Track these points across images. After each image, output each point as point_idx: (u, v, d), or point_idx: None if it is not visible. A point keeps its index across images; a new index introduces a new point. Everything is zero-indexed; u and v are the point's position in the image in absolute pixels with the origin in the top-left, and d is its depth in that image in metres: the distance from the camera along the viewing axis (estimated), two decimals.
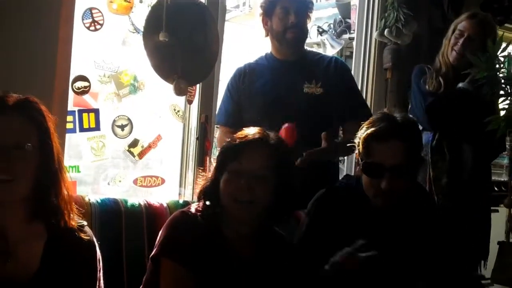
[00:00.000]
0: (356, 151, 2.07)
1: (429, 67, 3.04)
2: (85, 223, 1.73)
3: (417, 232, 2.03)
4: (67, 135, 2.55)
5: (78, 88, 2.59)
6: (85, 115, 2.64)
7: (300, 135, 2.53)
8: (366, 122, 2.04)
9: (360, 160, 2.02)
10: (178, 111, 2.94)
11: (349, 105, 2.86)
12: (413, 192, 2.08)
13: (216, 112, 2.97)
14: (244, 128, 1.95)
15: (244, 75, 2.88)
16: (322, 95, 2.80)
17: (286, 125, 2.54)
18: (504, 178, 4.08)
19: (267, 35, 2.91)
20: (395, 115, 2.02)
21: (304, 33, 2.89)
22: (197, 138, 2.88)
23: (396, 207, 2.02)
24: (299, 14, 2.80)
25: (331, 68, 2.89)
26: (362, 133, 2.01)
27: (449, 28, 3.07)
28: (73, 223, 1.68)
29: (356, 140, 2.05)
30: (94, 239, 1.73)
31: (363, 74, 3.65)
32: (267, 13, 2.83)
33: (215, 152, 4.54)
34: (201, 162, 2.86)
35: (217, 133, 3.01)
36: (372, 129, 1.98)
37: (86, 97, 2.67)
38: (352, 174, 3.53)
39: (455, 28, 3.03)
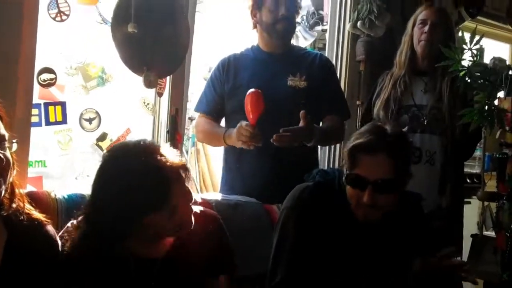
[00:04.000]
0: (343, 161, 2.03)
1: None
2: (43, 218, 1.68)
3: (402, 244, 2.01)
4: (33, 129, 2.47)
5: (44, 81, 2.51)
6: (51, 108, 2.57)
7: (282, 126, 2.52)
8: (356, 133, 1.99)
9: (345, 170, 1.97)
10: (148, 104, 2.89)
11: (330, 100, 2.85)
12: (401, 203, 2.01)
13: (186, 104, 2.96)
14: None
15: (228, 66, 2.86)
16: (306, 89, 2.80)
17: (250, 91, 2.52)
18: (476, 170, 4.12)
19: (254, 27, 2.89)
20: (386, 127, 1.96)
21: (293, 26, 2.90)
22: (167, 131, 2.84)
23: (380, 220, 1.97)
24: (289, 7, 2.80)
25: (316, 63, 2.89)
26: (350, 143, 1.95)
27: (408, 25, 3.10)
28: (34, 219, 1.64)
29: (344, 149, 2.00)
30: (57, 236, 1.69)
31: (336, 66, 3.60)
32: (257, 5, 2.81)
33: (188, 144, 4.54)
34: None
35: (191, 124, 2.96)
36: (360, 140, 1.91)
37: (52, 89, 2.59)
38: (326, 166, 3.52)
39: (415, 21, 3.06)
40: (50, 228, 1.69)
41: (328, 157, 3.60)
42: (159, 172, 1.64)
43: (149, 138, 2.85)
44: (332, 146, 3.60)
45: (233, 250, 1.96)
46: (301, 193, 2.03)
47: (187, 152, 4.46)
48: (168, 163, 1.66)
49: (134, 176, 1.61)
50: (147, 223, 1.64)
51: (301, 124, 2.54)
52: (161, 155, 1.67)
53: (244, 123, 2.52)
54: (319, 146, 3.10)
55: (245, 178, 2.78)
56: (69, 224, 1.76)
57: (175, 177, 1.67)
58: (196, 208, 1.82)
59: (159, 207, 1.64)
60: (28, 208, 1.66)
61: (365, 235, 1.95)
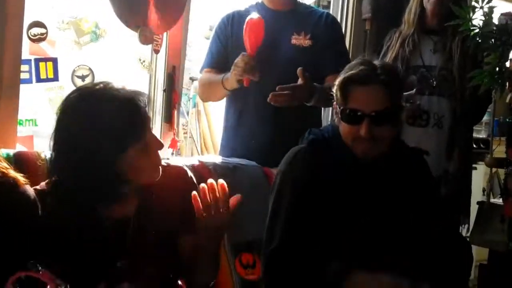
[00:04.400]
0: (334, 99, 1.94)
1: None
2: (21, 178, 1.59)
3: (406, 190, 1.93)
4: (23, 86, 2.37)
5: (34, 35, 2.39)
6: (42, 64, 2.45)
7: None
8: (345, 68, 1.93)
9: (338, 107, 1.90)
10: (144, 61, 2.78)
11: (334, 60, 2.74)
12: (400, 147, 1.99)
13: (183, 62, 2.85)
14: None
15: (232, 21, 2.75)
16: (310, 48, 2.70)
17: (249, 18, 2.44)
18: (483, 135, 4.03)
19: None
20: (374, 61, 1.91)
21: None
22: (164, 90, 2.76)
23: (381, 160, 1.90)
24: None
25: (322, 22, 2.77)
26: (340, 77, 1.89)
27: None
28: (9, 177, 1.55)
29: (334, 87, 1.93)
30: (36, 198, 1.60)
31: (341, 25, 3.44)
32: None
33: (189, 105, 4.46)
34: (168, 116, 2.74)
35: (192, 84, 2.84)
36: (351, 72, 1.86)
37: (43, 45, 2.46)
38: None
39: None
40: (28, 188, 1.59)
41: (331, 118, 3.46)
42: (132, 100, 1.60)
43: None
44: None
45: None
46: (295, 156, 1.96)
47: (187, 113, 4.39)
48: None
49: (108, 107, 1.56)
50: (123, 161, 1.57)
51: (299, 82, 2.45)
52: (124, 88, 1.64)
53: (241, 54, 2.44)
54: (322, 108, 2.98)
55: (245, 140, 2.69)
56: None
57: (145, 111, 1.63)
58: (163, 162, 1.77)
59: (138, 136, 1.59)
60: (3, 166, 1.57)
61: (368, 178, 1.89)
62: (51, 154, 1.65)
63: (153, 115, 2.78)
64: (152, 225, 1.70)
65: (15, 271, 1.45)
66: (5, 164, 1.58)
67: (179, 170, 1.87)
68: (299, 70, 2.44)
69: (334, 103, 1.96)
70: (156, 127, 2.78)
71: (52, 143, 1.63)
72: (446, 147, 2.95)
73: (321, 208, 1.85)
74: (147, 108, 1.65)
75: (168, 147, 2.73)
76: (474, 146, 3.61)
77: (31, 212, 1.56)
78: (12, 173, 1.56)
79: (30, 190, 1.59)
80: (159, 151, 1.70)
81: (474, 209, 2.98)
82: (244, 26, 2.43)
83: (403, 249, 1.84)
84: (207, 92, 2.81)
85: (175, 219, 1.75)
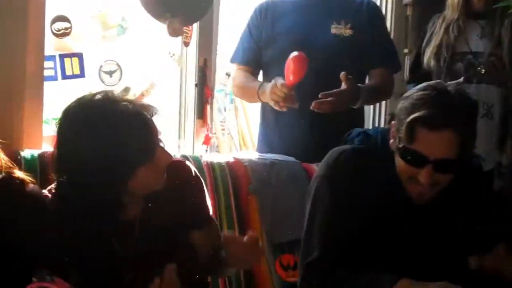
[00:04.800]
0: (393, 128, 1.70)
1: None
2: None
3: (460, 224, 1.73)
4: (48, 83, 2.27)
5: (58, 30, 2.29)
6: (67, 60, 2.34)
7: (325, 80, 2.32)
8: (413, 95, 1.63)
9: (397, 140, 1.65)
10: (174, 54, 2.66)
11: (378, 50, 2.59)
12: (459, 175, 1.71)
13: (215, 54, 2.71)
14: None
15: (266, 12, 2.60)
16: (351, 37, 2.53)
17: (295, 54, 2.24)
18: None
19: None
20: (449, 89, 1.62)
21: None
22: (195, 85, 2.64)
23: (436, 202, 1.69)
24: None
25: (363, 9, 2.61)
26: (408, 111, 1.60)
27: None
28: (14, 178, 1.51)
29: (398, 117, 1.65)
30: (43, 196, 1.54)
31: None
32: None
33: (226, 100, 4.39)
34: (201, 111, 2.62)
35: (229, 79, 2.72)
36: (423, 112, 1.56)
37: (68, 40, 2.37)
38: (371, 123, 3.26)
39: None
40: (34, 186, 1.54)
41: (373, 113, 3.31)
42: (142, 115, 1.48)
43: (176, 92, 2.68)
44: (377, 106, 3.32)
45: (206, 202, 1.78)
46: (337, 159, 1.75)
47: (224, 109, 4.29)
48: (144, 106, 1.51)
49: (119, 124, 1.43)
50: (131, 181, 1.47)
51: (343, 87, 2.29)
52: (131, 101, 1.50)
53: (279, 82, 2.27)
54: None
55: (283, 135, 2.55)
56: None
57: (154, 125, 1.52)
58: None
59: (147, 158, 1.47)
60: (7, 165, 1.52)
61: (416, 212, 1.68)
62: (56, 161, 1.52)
63: (185, 111, 2.68)
64: (157, 226, 1.60)
65: (22, 273, 1.36)
66: (10, 164, 1.53)
67: (179, 164, 1.74)
68: (342, 74, 2.28)
69: (393, 125, 1.70)
70: (189, 124, 2.66)
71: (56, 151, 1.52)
72: (498, 139, 2.77)
73: (361, 223, 1.67)
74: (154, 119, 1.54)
75: (202, 144, 2.61)
76: None
77: (38, 213, 1.47)
78: (18, 173, 1.52)
79: (36, 188, 1.53)
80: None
81: None
82: (286, 62, 2.25)
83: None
84: (241, 95, 2.73)
85: (183, 215, 1.65)
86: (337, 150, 1.78)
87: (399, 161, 1.64)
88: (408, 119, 1.57)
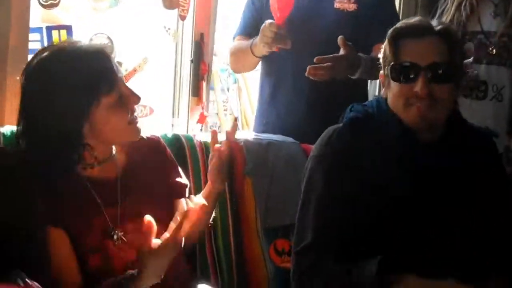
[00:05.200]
0: (382, 71, 1.67)
1: None
2: None
3: (472, 180, 1.62)
4: None
5: (45, 0, 2.17)
6: (55, 32, 2.22)
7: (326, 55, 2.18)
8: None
9: (386, 67, 1.63)
10: (169, 28, 2.56)
11: (382, 26, 2.44)
12: (462, 126, 1.68)
13: (213, 29, 2.61)
14: None
15: None
16: (355, 12, 2.44)
17: None
18: None
19: None
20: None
21: None
22: (191, 61, 2.55)
23: (440, 140, 1.60)
24: None
25: None
26: (390, 30, 1.64)
27: None
28: None
29: (382, 48, 1.67)
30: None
31: None
32: None
33: (229, 81, 4.31)
34: (196, 89, 2.53)
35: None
36: (402, 24, 1.62)
37: (56, 11, 2.24)
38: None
39: None
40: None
41: (379, 91, 3.18)
42: (100, 48, 1.57)
43: (170, 68, 2.58)
44: None
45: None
46: (329, 138, 1.66)
47: (228, 89, 4.27)
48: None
49: (78, 53, 1.51)
50: (98, 114, 1.50)
51: (341, 52, 2.18)
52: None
53: (268, 21, 2.20)
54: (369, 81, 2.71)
55: (281, 113, 2.45)
56: None
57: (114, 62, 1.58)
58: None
59: (110, 87, 1.51)
60: None
61: (424, 162, 1.58)
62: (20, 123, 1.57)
63: (179, 89, 2.58)
64: (140, 187, 1.65)
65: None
66: None
67: (152, 136, 1.80)
68: (340, 38, 2.18)
69: (381, 72, 1.68)
70: (183, 101, 2.57)
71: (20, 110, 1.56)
72: (508, 122, 2.63)
73: (360, 201, 1.56)
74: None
75: (197, 122, 2.51)
76: None
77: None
78: None
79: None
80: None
81: None
82: (271, 0, 2.20)
83: (465, 253, 1.55)
84: (236, 61, 2.59)
85: (161, 184, 1.72)
86: (331, 129, 1.70)
87: (393, 92, 1.60)
88: (390, 32, 1.62)
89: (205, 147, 2.12)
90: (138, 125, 1.60)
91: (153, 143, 1.76)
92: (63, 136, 1.48)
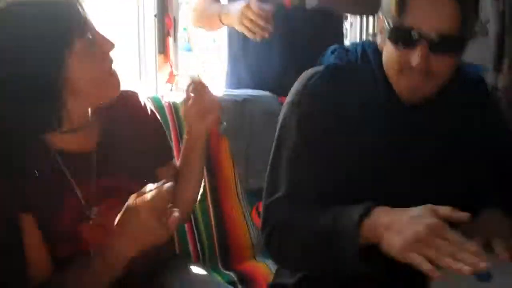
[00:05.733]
0: (380, 14, 1.44)
1: None
2: None
3: (464, 138, 1.45)
4: None
5: None
6: None
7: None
8: None
9: (386, 21, 1.39)
10: None
11: None
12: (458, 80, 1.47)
13: None
14: None
15: None
16: None
17: None
18: None
19: None
20: None
21: None
22: (155, 16, 2.37)
23: (432, 104, 1.42)
24: None
25: None
26: None
27: None
28: None
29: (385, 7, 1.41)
30: None
31: None
32: None
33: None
34: (162, 46, 2.36)
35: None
36: None
37: None
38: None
39: None
40: None
41: (360, 32, 3.04)
42: None
43: (133, 25, 2.41)
44: (364, 18, 3.04)
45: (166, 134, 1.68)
46: (306, 84, 1.48)
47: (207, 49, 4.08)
48: None
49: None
50: (74, 59, 1.31)
51: None
52: None
53: (253, 3, 1.97)
54: (345, 19, 2.55)
55: (253, 68, 2.27)
56: None
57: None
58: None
59: (82, 28, 1.31)
60: None
61: (410, 127, 1.42)
62: None
63: (144, 46, 2.40)
64: (118, 159, 1.45)
65: None
66: None
67: (131, 93, 1.58)
68: None
69: (381, 14, 1.45)
70: (149, 60, 2.40)
71: None
72: (494, 58, 2.60)
73: (338, 154, 1.40)
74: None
75: (166, 82, 2.35)
76: None
77: None
78: None
79: None
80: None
81: None
82: None
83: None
84: (199, 20, 2.33)
85: (144, 151, 1.51)
86: (308, 72, 1.51)
87: (388, 52, 1.39)
88: None
89: (175, 108, 1.98)
90: (116, 81, 1.42)
91: (131, 101, 1.56)
92: (38, 93, 1.30)
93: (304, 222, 1.37)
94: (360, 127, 1.40)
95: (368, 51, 1.46)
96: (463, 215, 1.18)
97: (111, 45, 1.38)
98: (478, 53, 2.45)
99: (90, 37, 1.32)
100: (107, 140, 1.45)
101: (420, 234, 1.15)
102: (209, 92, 1.55)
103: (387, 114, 1.40)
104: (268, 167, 1.49)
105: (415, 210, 1.21)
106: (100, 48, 1.35)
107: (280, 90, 2.11)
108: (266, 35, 1.99)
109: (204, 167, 1.70)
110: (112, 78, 1.38)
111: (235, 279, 1.89)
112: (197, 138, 1.58)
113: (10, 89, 1.29)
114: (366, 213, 1.25)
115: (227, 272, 1.93)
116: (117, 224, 1.26)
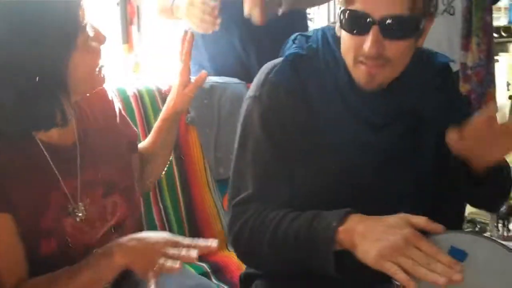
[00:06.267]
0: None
1: None
2: None
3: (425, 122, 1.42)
4: None
5: None
6: None
7: None
8: None
9: (340, 10, 1.35)
10: None
11: None
12: (418, 62, 1.42)
13: None
14: None
15: None
16: None
17: None
18: (502, 22, 3.61)
19: None
20: None
21: None
22: (117, 4, 2.33)
23: (392, 88, 1.39)
24: None
25: None
26: None
27: None
28: None
29: None
30: None
31: None
32: None
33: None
34: (126, 35, 2.32)
35: None
36: None
37: None
38: None
39: None
40: None
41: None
42: None
43: (95, 13, 2.34)
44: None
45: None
46: (267, 76, 1.44)
47: None
48: None
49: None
50: (77, 52, 1.28)
51: None
52: None
53: None
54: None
55: (214, 56, 2.22)
56: None
57: None
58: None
59: (84, 24, 1.27)
60: None
61: (373, 111, 1.38)
62: None
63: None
64: (99, 151, 1.43)
65: None
66: None
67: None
68: None
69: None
70: (113, 51, 2.32)
71: None
72: (462, 37, 2.55)
73: (302, 147, 1.38)
74: None
75: (131, 72, 2.29)
76: (495, 35, 3.19)
77: None
78: None
79: None
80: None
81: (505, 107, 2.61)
82: None
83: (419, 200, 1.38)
84: (160, 13, 2.25)
85: (118, 139, 1.50)
86: (269, 65, 1.47)
87: (343, 40, 1.35)
88: None
89: (141, 98, 1.94)
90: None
91: (101, 94, 1.52)
92: (45, 89, 1.26)
93: (276, 223, 1.33)
94: (324, 115, 1.38)
95: (329, 36, 1.42)
96: (437, 226, 1.17)
97: (104, 39, 1.36)
98: (446, 32, 2.46)
99: (91, 31, 1.30)
100: (87, 130, 1.42)
101: (396, 243, 1.14)
102: None
103: (351, 101, 1.37)
104: (233, 164, 1.46)
105: (391, 219, 1.20)
106: (97, 42, 1.33)
107: (243, 76, 2.11)
108: (210, 31, 1.95)
109: (173, 159, 1.68)
110: (101, 71, 1.36)
111: (208, 270, 1.86)
112: (181, 111, 1.60)
113: (17, 85, 1.25)
114: (342, 220, 1.23)
115: (200, 264, 1.89)
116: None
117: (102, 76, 1.37)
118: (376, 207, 1.26)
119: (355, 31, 1.30)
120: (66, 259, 1.29)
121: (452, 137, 1.25)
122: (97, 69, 1.35)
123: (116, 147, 1.48)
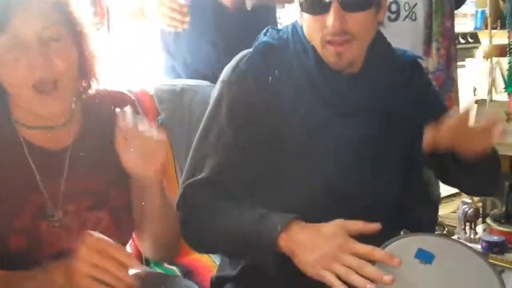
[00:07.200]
0: None
1: None
2: None
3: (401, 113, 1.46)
4: None
5: None
6: None
7: None
8: None
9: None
10: None
11: None
12: (387, 52, 1.51)
13: None
14: None
15: None
16: None
17: None
18: (469, 28, 3.66)
19: None
20: None
21: None
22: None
23: (363, 69, 1.44)
24: None
25: None
26: None
27: None
28: None
29: None
30: None
31: None
32: None
33: None
34: None
35: None
36: None
37: None
38: None
39: None
40: None
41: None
42: None
43: None
44: None
45: None
46: (238, 63, 1.48)
47: None
48: None
49: None
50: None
51: None
52: None
53: None
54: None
55: (186, 59, 2.22)
56: None
57: None
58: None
59: None
60: None
61: (345, 96, 1.42)
62: None
63: None
64: (92, 159, 1.39)
65: None
66: None
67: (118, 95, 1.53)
68: None
69: None
70: None
71: None
72: (423, 42, 2.56)
73: (269, 138, 1.40)
74: None
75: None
76: (461, 40, 3.25)
77: None
78: None
79: None
80: None
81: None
82: None
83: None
84: (129, 14, 2.25)
85: (112, 153, 1.40)
86: (242, 53, 1.51)
87: (307, 24, 1.41)
88: None
89: None
90: None
91: (117, 99, 1.48)
92: None
93: (226, 212, 1.36)
94: (292, 101, 1.41)
95: (298, 28, 1.46)
96: (375, 226, 1.21)
97: None
98: (409, 37, 2.48)
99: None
100: (83, 139, 1.40)
101: (331, 252, 1.19)
102: (146, 124, 1.40)
103: (320, 88, 1.41)
104: (194, 144, 1.47)
105: (328, 228, 1.24)
106: None
107: (214, 79, 2.08)
108: (180, 29, 1.97)
109: None
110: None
111: (179, 273, 1.85)
112: (149, 186, 1.39)
113: None
114: (288, 224, 1.26)
115: (171, 267, 1.88)
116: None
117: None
118: (343, 198, 1.36)
119: (317, 11, 1.36)
120: (36, 260, 1.27)
121: (427, 139, 1.29)
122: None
123: (114, 164, 1.39)
